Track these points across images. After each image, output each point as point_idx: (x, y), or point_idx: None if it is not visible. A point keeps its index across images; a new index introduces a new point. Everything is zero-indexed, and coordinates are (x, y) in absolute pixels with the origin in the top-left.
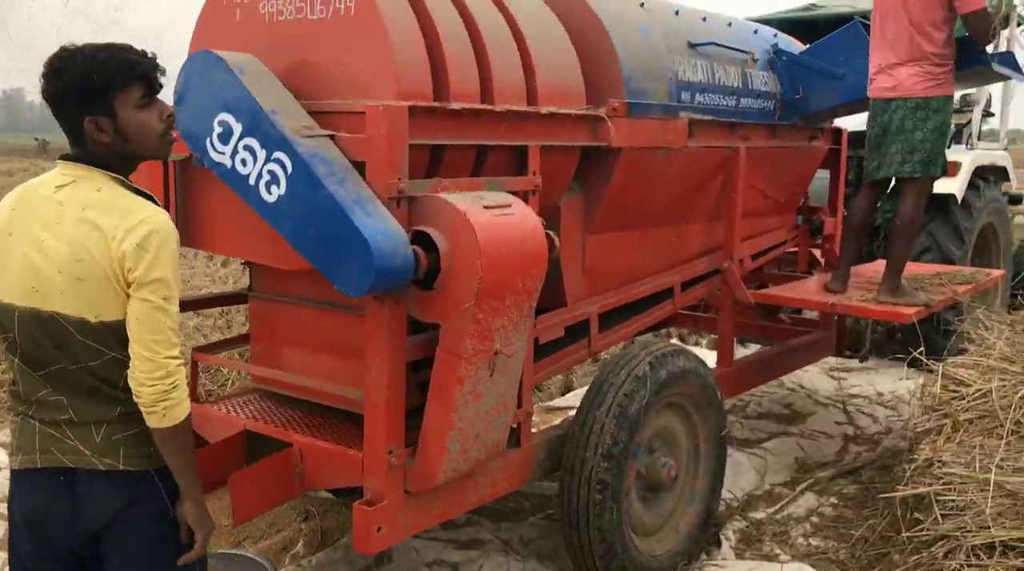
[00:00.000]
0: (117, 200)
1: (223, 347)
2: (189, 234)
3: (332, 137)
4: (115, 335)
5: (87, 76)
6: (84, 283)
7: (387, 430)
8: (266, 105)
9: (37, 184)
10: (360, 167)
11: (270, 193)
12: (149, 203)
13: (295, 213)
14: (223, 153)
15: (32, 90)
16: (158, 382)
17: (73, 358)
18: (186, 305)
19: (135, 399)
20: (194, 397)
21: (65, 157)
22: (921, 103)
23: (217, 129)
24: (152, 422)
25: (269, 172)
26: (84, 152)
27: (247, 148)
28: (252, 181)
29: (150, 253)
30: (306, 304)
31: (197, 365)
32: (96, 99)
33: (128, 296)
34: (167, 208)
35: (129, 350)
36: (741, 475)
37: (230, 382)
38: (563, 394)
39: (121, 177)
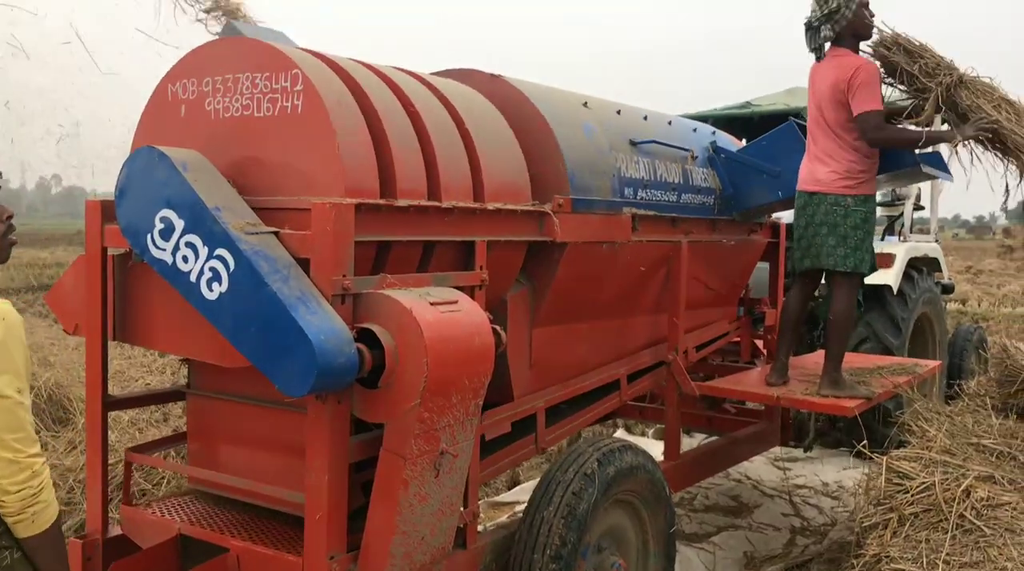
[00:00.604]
0: None
1: (159, 446)
2: (127, 329)
3: (277, 234)
4: None
5: None
6: None
7: (328, 534)
8: (209, 202)
9: None
10: (305, 264)
11: (211, 290)
12: None
13: (237, 311)
14: (164, 249)
15: None
16: (23, 486)
17: None
18: (122, 403)
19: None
20: (127, 499)
21: None
22: (839, 200)
23: (159, 225)
24: (20, 531)
25: (211, 269)
26: None
27: (189, 245)
28: (193, 278)
29: None
30: (246, 402)
31: (131, 466)
32: None
33: None
34: (103, 302)
35: None
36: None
37: (165, 481)
38: (509, 488)
39: None
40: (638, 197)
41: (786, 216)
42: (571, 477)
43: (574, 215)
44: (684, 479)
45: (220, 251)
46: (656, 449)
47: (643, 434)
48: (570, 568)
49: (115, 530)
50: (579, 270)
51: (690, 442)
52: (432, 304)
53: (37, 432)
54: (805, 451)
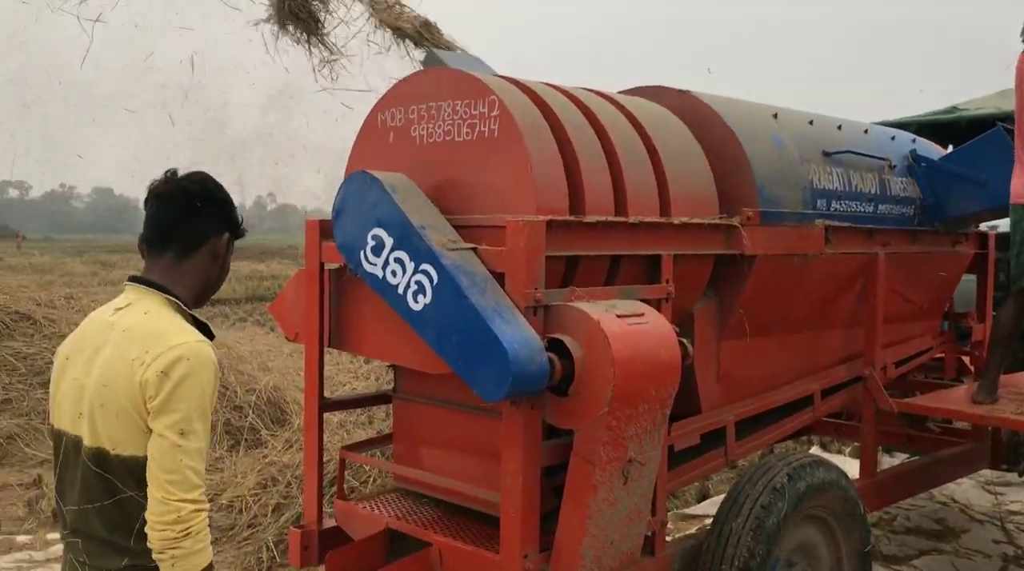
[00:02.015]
0: (158, 323)
1: (368, 446)
2: (341, 338)
3: (475, 249)
4: (131, 473)
5: (231, 204)
6: (105, 410)
7: (522, 534)
8: (415, 221)
9: (101, 308)
10: (500, 277)
11: (417, 302)
12: (193, 330)
13: (439, 321)
14: (375, 264)
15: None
16: (167, 528)
17: (87, 496)
18: (336, 405)
19: (148, 544)
20: (340, 494)
21: (133, 278)
22: None
23: (371, 242)
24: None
25: (416, 282)
26: (152, 274)
27: (397, 260)
28: (401, 290)
29: (171, 381)
30: (446, 406)
31: (344, 463)
32: (232, 226)
33: (149, 430)
34: (320, 313)
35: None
36: None
37: (371, 479)
38: (699, 501)
39: (178, 301)
40: (831, 208)
41: (1002, 225)
42: (760, 490)
43: (763, 228)
44: (881, 498)
45: (425, 266)
46: (853, 467)
47: (839, 452)
48: None
49: (328, 523)
50: (769, 283)
51: (891, 462)
52: (619, 316)
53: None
54: (1020, 475)
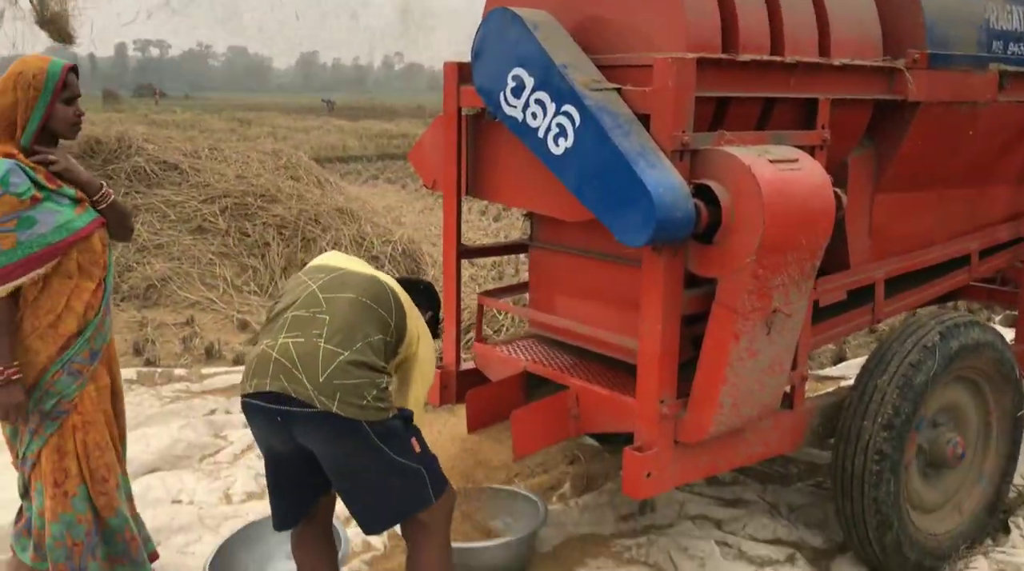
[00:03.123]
0: None
1: (505, 293)
2: (478, 185)
3: (619, 90)
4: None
5: None
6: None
7: (660, 380)
8: (557, 60)
9: None
10: (645, 119)
11: (557, 145)
12: None
13: (581, 165)
14: (515, 106)
15: (325, 54)
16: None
17: (368, 292)
18: (474, 252)
19: None
20: (479, 337)
21: None
22: None
23: (511, 83)
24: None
25: (558, 125)
26: None
27: (538, 102)
28: (541, 134)
29: None
30: (584, 255)
31: (482, 308)
32: None
33: None
34: (458, 159)
35: None
36: None
37: (504, 328)
38: (835, 364)
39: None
40: (1009, 52)
41: None
42: (909, 348)
43: (931, 72)
44: None
45: (567, 107)
46: (1006, 336)
47: (989, 320)
48: (902, 439)
49: (466, 365)
50: (932, 133)
51: None
52: (771, 161)
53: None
54: None
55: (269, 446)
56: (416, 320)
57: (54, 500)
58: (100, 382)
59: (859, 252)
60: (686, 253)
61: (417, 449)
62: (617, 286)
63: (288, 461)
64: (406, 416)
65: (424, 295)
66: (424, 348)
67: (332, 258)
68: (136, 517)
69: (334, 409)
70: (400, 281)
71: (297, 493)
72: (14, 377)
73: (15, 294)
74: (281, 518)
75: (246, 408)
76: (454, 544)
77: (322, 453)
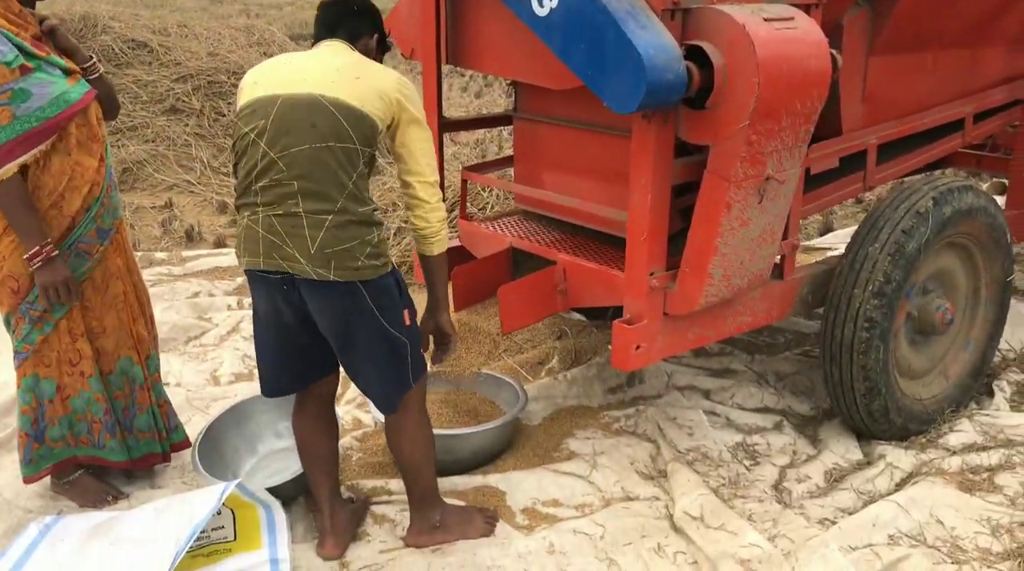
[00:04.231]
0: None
1: (489, 167)
2: (458, 53)
3: None
4: (364, 131)
5: (380, 16)
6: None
7: (649, 252)
8: None
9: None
10: None
11: (542, 6)
12: None
13: (566, 26)
14: None
15: None
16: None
17: (321, 137)
18: (456, 125)
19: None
20: (463, 213)
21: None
22: None
23: None
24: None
25: None
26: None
27: None
28: None
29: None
30: (571, 125)
31: (466, 184)
32: (379, 30)
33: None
34: (437, 27)
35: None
36: (1022, 327)
37: (489, 206)
38: (821, 234)
39: None
40: None
41: None
42: (901, 215)
43: None
44: None
45: None
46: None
47: None
48: (892, 306)
49: (451, 243)
50: None
51: None
52: (766, 20)
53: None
54: None
55: (276, 310)
56: (382, 83)
57: (71, 378)
58: (110, 265)
59: (852, 118)
60: (677, 120)
61: (407, 321)
62: (605, 157)
63: (293, 327)
64: (399, 278)
65: (361, 16)
66: (411, 120)
67: (261, 76)
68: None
69: (331, 277)
70: (324, 6)
71: (299, 361)
72: (52, 254)
73: (23, 172)
74: (273, 385)
75: (250, 276)
76: (436, 431)
77: (323, 320)
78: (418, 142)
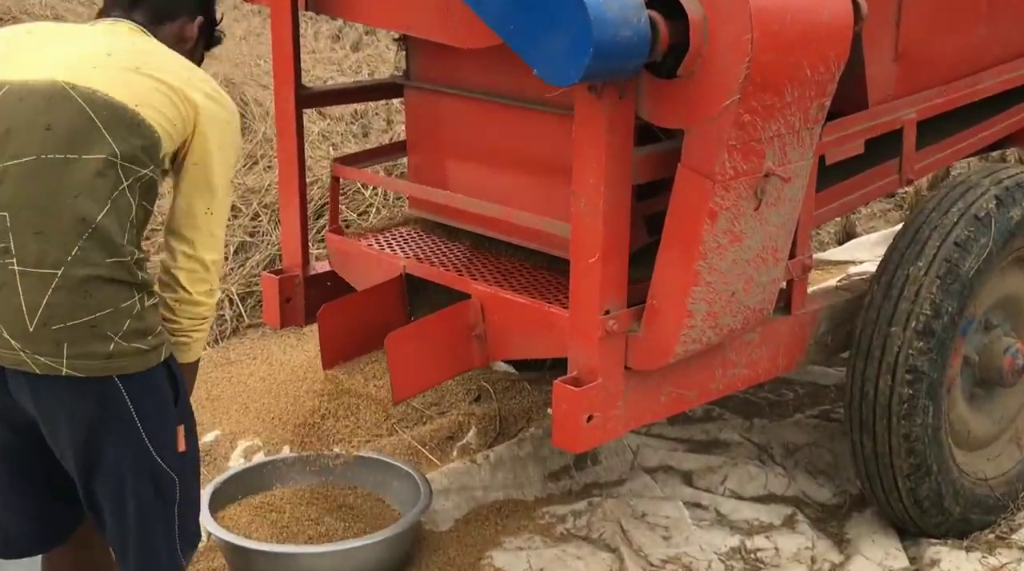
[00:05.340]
0: None
1: (371, 158)
2: None
3: None
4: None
5: None
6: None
7: (603, 280)
8: None
9: None
10: None
11: None
12: None
13: None
14: None
15: None
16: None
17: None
18: (321, 98)
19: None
20: (335, 225)
21: None
22: None
23: None
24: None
25: None
26: None
27: None
28: None
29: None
30: (489, 100)
31: (338, 183)
32: (208, 14)
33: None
34: None
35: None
36: None
37: (373, 211)
38: (840, 243)
39: None
40: None
41: None
42: (954, 220)
43: None
44: None
45: None
46: None
47: None
48: (944, 349)
49: (318, 266)
50: None
51: None
52: None
53: None
54: None
55: None
56: (181, 82)
57: None
58: None
59: (881, 85)
60: (637, 94)
61: (181, 446)
62: (538, 145)
63: (15, 448)
64: (176, 373)
65: None
66: (211, 122)
67: None
68: None
69: (64, 370)
70: None
71: (32, 502)
72: None
73: None
74: (13, 539)
75: None
76: (277, 547)
77: (54, 435)
78: (207, 198)
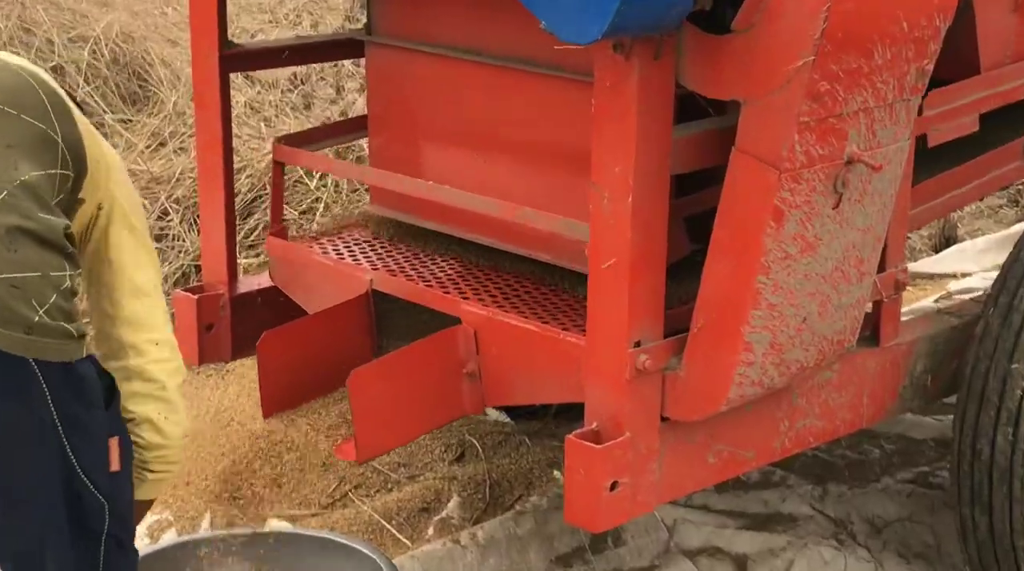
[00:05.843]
0: None
1: (320, 139)
2: None
3: None
4: None
5: None
6: None
7: (632, 303)
8: None
9: None
10: None
11: None
12: None
13: None
14: None
15: None
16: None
17: None
18: (253, 57)
19: None
20: (277, 227)
21: None
22: None
23: None
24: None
25: None
26: None
27: None
28: None
29: None
30: (478, 61)
31: (282, 170)
32: None
33: None
34: None
35: None
36: None
37: (321, 206)
38: (937, 250)
39: None
40: None
41: None
42: None
43: None
44: None
45: None
46: None
47: None
48: None
49: (254, 280)
50: None
51: None
52: None
53: (96, 120)
54: None
55: None
56: (97, 139)
57: None
58: None
59: (997, 44)
60: (678, 55)
61: (115, 464)
62: (545, 122)
63: None
64: (108, 377)
65: None
66: (122, 189)
67: None
68: None
69: None
70: None
71: None
72: None
73: None
74: None
75: None
76: None
77: None
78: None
